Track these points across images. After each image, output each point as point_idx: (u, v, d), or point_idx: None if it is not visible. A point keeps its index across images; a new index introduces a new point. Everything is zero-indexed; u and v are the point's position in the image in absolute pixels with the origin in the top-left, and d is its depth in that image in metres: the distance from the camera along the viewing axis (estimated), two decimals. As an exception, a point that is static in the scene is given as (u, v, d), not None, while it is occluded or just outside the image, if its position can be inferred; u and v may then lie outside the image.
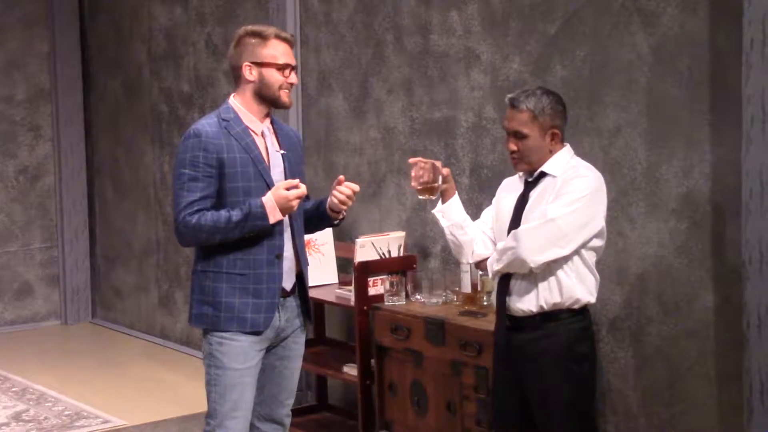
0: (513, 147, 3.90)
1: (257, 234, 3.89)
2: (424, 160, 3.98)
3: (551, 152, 3.91)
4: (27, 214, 8.30)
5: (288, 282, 4.00)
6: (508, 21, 5.05)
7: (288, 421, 4.16)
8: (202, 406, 4.03)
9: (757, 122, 3.92)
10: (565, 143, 3.96)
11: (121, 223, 8.18)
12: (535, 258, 3.80)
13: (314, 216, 4.11)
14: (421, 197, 4.02)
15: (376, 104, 5.82)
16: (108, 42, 8.17)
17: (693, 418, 4.39)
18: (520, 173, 4.03)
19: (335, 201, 3.98)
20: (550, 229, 3.79)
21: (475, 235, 4.04)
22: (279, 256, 3.94)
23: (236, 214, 3.84)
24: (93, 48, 8.34)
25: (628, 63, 4.53)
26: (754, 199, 3.95)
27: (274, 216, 3.86)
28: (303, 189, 3.89)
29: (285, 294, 4.00)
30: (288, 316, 4.02)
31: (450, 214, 4.03)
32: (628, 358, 4.59)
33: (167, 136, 7.57)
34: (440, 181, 3.96)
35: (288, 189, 3.85)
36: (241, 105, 3.97)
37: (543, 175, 3.92)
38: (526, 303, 3.91)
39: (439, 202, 4.07)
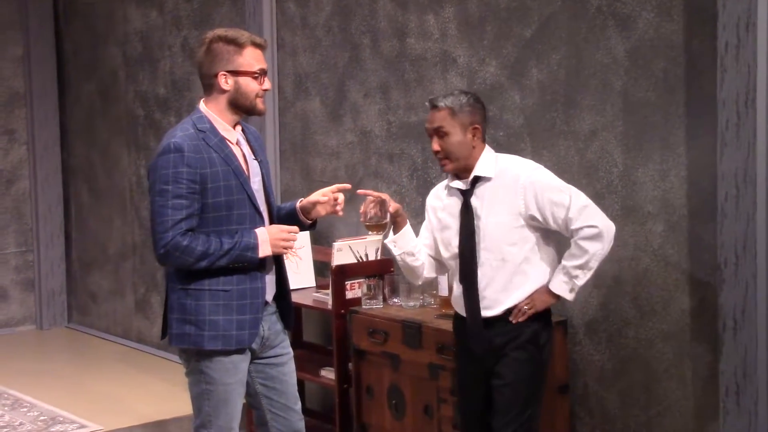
0: (436, 147, 4.00)
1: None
2: (373, 194, 4.03)
3: (474, 148, 3.99)
4: (2, 219, 8.24)
5: (270, 294, 3.97)
6: (484, 25, 5.06)
7: (302, 425, 4.14)
8: (178, 410, 4.03)
9: (732, 126, 3.94)
10: (485, 143, 4.04)
11: (96, 227, 8.13)
12: (609, 223, 4.00)
13: (288, 221, 4.06)
14: (369, 233, 4.14)
15: (353, 108, 5.82)
16: (83, 45, 8.13)
17: (669, 420, 4.41)
18: (446, 183, 4.11)
19: (321, 212, 3.99)
20: (583, 201, 3.96)
21: (424, 259, 4.17)
22: (261, 267, 3.87)
23: (227, 242, 3.77)
24: (68, 51, 8.30)
25: (603, 67, 4.54)
26: (729, 202, 3.97)
27: (263, 250, 3.82)
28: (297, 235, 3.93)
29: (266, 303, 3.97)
30: (269, 324, 3.98)
31: (402, 242, 4.11)
32: (605, 361, 4.61)
33: (143, 140, 7.54)
34: (387, 219, 4.04)
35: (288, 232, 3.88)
36: (214, 113, 3.85)
37: (477, 179, 3.99)
38: (500, 306, 4.01)
39: (391, 231, 4.13)
